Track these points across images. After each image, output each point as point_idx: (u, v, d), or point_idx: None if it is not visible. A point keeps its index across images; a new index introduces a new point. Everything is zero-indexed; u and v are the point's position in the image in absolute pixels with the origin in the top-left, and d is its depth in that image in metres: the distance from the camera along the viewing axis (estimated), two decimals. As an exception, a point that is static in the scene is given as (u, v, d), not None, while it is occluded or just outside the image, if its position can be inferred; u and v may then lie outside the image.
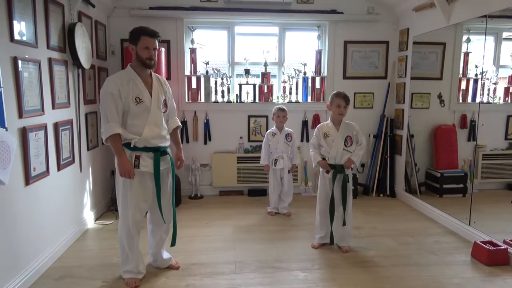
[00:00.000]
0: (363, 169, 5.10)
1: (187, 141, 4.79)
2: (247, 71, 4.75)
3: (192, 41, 4.69)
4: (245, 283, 2.69)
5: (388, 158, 4.87)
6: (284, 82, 4.85)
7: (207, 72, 4.72)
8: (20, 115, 2.53)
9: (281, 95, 4.89)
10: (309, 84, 4.91)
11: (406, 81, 4.60)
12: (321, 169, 3.22)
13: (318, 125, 3.28)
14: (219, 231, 3.67)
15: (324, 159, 3.15)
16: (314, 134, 3.26)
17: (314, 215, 3.39)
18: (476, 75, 3.80)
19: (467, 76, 3.89)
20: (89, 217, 3.76)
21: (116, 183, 2.63)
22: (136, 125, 2.51)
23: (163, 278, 2.74)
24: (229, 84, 4.79)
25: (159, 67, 4.14)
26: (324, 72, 4.92)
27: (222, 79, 4.74)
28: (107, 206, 4.30)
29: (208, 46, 4.89)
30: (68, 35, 3.26)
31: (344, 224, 3.12)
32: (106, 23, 4.43)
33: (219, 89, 4.78)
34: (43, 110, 2.84)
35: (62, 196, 3.18)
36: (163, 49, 4.29)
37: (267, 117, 4.80)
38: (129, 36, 2.55)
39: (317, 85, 4.93)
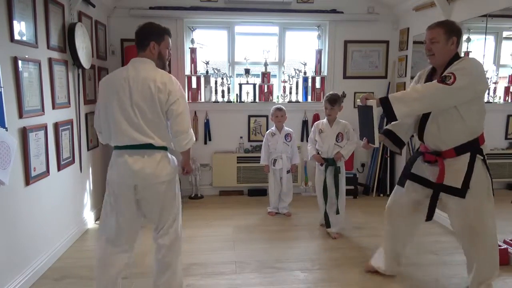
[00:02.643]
0: (363, 169, 5.10)
1: (187, 141, 4.79)
2: (247, 71, 4.75)
3: (192, 41, 4.69)
4: (245, 283, 2.69)
5: (388, 158, 4.87)
6: (284, 81, 4.85)
7: (207, 72, 4.72)
8: (20, 115, 2.53)
9: (281, 95, 4.88)
10: (309, 84, 4.91)
11: (406, 80, 4.59)
12: (316, 163, 3.59)
13: (316, 122, 3.70)
14: (219, 231, 3.67)
15: (318, 153, 3.51)
16: (311, 130, 3.69)
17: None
18: (476, 74, 3.79)
19: (467, 76, 3.88)
20: (89, 217, 3.76)
21: (176, 196, 2.30)
22: None
23: (163, 278, 2.74)
24: (229, 84, 4.79)
25: (159, 67, 4.14)
26: (324, 72, 4.92)
27: (222, 79, 4.74)
28: (107, 206, 4.30)
29: (208, 46, 4.89)
30: (68, 35, 3.26)
31: (337, 212, 3.43)
32: (106, 23, 4.43)
33: (219, 89, 4.78)
34: (43, 110, 2.85)
35: (62, 196, 3.18)
36: (163, 49, 4.29)
37: (267, 117, 4.80)
38: (149, 31, 2.26)
39: (317, 85, 4.93)
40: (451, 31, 2.26)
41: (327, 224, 3.48)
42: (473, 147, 2.26)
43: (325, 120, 3.56)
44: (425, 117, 2.36)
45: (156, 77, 2.12)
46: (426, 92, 2.17)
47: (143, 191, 2.16)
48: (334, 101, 3.40)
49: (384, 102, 2.20)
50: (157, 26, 2.31)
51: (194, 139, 2.26)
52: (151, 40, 2.24)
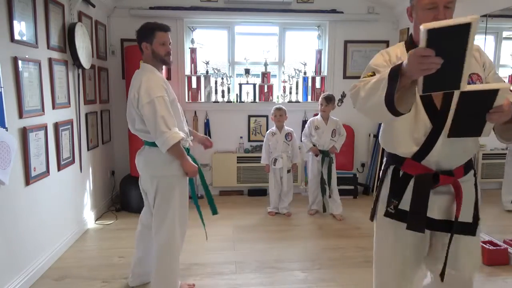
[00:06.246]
0: (363, 169, 5.10)
1: (187, 141, 4.79)
2: (247, 71, 4.75)
3: (192, 41, 4.69)
4: (245, 283, 2.69)
5: (388, 158, 4.86)
6: (284, 81, 4.85)
7: (207, 72, 4.72)
8: (20, 115, 2.53)
9: (281, 95, 4.89)
10: (309, 84, 4.91)
11: (406, 80, 4.59)
12: (310, 154, 4.06)
13: (310, 119, 4.12)
14: (219, 231, 3.66)
15: (314, 145, 3.98)
16: (306, 125, 4.11)
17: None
18: (476, 74, 3.79)
19: (467, 76, 3.88)
20: (89, 217, 3.76)
21: (167, 196, 2.41)
22: (181, 126, 2.35)
23: (163, 278, 2.74)
24: (229, 84, 4.79)
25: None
26: (324, 72, 4.92)
27: (222, 79, 4.74)
28: (107, 206, 4.30)
29: (208, 46, 4.89)
30: (68, 35, 3.26)
31: (329, 196, 3.98)
32: (106, 23, 4.43)
33: (219, 89, 4.78)
34: (43, 110, 2.85)
35: (62, 196, 3.18)
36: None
37: (267, 117, 4.80)
38: (139, 33, 2.32)
39: (317, 85, 4.93)
40: None
41: (324, 209, 4.01)
42: (473, 161, 1.68)
43: (319, 117, 4.02)
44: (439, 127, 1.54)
45: (135, 84, 2.24)
46: None
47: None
48: (330, 99, 3.94)
49: None
50: (145, 26, 2.32)
51: (176, 139, 2.18)
52: (142, 41, 2.31)
